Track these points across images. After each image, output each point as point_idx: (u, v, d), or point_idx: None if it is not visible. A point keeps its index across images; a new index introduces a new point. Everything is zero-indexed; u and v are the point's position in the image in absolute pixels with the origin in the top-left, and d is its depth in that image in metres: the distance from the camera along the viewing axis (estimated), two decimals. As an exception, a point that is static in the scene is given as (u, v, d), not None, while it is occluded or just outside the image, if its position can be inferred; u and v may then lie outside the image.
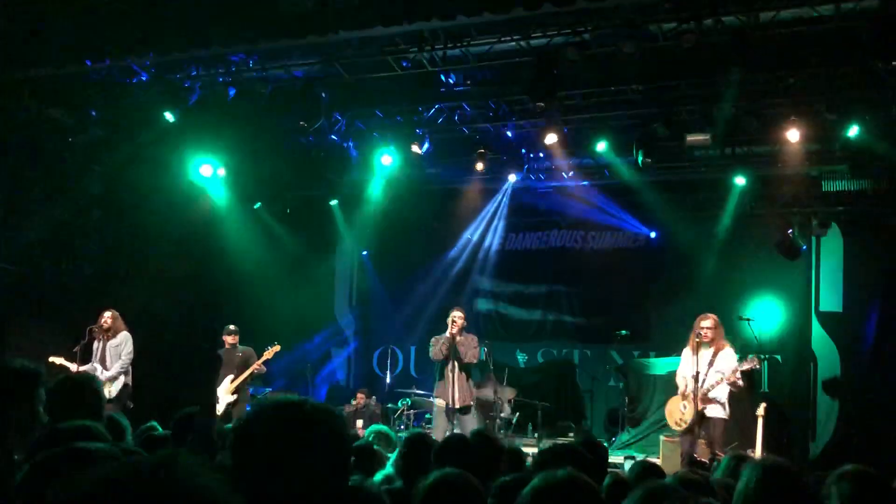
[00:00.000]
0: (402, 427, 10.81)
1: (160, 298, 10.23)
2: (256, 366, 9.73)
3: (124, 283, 10.37)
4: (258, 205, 12.20)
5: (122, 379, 8.78)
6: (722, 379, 7.50)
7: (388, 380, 12.56)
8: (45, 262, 9.98)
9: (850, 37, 7.66)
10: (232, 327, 10.13)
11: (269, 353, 9.77)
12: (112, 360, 8.80)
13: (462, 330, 9.01)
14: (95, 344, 8.95)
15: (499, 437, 6.43)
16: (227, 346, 10.01)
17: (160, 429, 4.70)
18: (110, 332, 8.87)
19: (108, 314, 8.88)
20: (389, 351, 13.68)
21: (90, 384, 3.53)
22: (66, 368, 8.60)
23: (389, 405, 11.76)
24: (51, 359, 8.81)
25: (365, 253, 14.54)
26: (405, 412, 11.28)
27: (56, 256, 10.15)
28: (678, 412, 7.81)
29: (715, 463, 5.89)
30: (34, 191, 9.84)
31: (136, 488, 1.04)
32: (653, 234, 12.93)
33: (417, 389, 11.48)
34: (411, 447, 4.02)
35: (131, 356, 8.90)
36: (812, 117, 9.18)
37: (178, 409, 4.54)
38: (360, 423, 10.75)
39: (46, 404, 2.91)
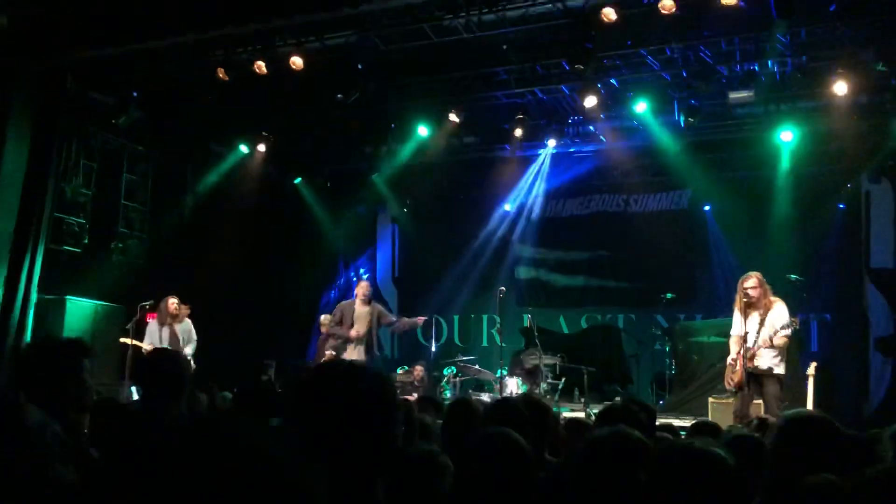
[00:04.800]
0: (449, 395, 10.89)
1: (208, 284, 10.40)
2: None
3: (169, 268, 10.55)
4: (298, 180, 12.27)
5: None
6: (771, 336, 7.36)
7: (433, 349, 12.64)
8: (91, 245, 10.16)
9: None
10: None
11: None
12: (184, 343, 9.02)
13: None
14: (154, 326, 9.08)
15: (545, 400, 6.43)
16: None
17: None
18: (178, 318, 9.07)
19: (175, 301, 9.05)
20: (433, 321, 13.74)
21: (178, 358, 3.74)
22: (139, 347, 8.80)
23: (435, 374, 11.86)
24: (121, 339, 9.08)
25: (405, 224, 14.57)
26: (451, 380, 11.35)
27: (101, 240, 10.32)
28: (731, 373, 7.75)
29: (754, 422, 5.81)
30: (80, 176, 10.02)
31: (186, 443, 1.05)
32: (696, 195, 12.72)
33: (463, 357, 11.56)
34: (455, 413, 4.05)
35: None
36: (860, 68, 8.89)
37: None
38: (414, 395, 10.83)
39: (138, 378, 3.01)
